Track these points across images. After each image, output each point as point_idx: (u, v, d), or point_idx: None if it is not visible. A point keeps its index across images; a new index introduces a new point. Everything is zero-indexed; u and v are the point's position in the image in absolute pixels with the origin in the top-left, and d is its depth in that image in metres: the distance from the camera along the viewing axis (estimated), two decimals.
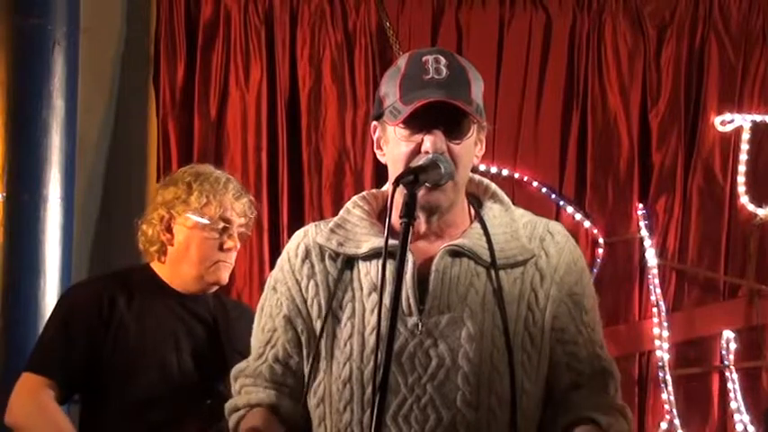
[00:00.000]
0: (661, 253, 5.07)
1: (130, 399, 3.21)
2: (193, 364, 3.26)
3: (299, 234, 2.52)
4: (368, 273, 2.39)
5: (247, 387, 2.50)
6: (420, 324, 2.34)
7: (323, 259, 2.45)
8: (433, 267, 2.36)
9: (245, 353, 3.33)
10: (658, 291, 5.01)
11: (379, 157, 2.47)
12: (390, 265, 2.25)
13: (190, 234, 3.28)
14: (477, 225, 2.43)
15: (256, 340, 2.53)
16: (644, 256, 5.05)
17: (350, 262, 2.42)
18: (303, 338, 2.44)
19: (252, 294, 4.97)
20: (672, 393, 4.93)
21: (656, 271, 5.02)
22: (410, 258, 2.34)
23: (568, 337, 2.38)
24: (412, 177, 2.27)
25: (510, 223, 2.44)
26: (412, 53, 2.44)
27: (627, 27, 5.13)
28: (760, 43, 5.14)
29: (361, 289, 2.39)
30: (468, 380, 2.32)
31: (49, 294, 4.37)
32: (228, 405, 2.52)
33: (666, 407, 4.94)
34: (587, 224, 5.06)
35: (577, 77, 5.12)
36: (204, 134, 5.03)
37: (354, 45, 5.08)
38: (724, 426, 5.03)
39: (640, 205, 5.09)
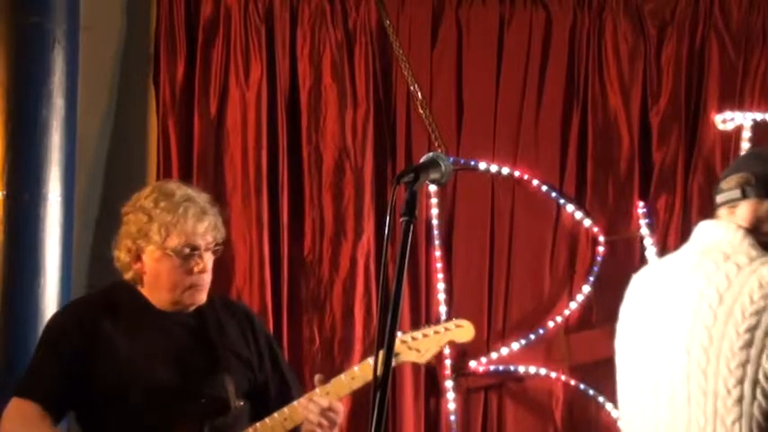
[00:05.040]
0: (662, 251, 5.07)
1: (126, 411, 3.22)
2: (185, 371, 3.26)
3: None
4: None
5: None
6: None
7: None
8: None
9: (238, 352, 3.33)
10: None
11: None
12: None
13: (157, 265, 3.27)
14: None
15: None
16: (644, 255, 5.05)
17: None
18: None
19: (252, 293, 4.97)
20: None
21: None
22: None
23: None
24: (413, 176, 2.28)
25: None
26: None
27: (627, 26, 5.13)
28: (760, 42, 5.14)
29: None
30: None
31: (49, 294, 4.37)
32: None
33: None
34: (588, 223, 5.06)
35: (578, 76, 5.12)
36: (204, 133, 5.03)
37: (354, 44, 5.08)
38: None
39: (641, 204, 5.09)
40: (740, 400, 2.32)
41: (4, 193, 4.39)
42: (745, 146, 5.05)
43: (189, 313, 3.33)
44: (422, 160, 2.33)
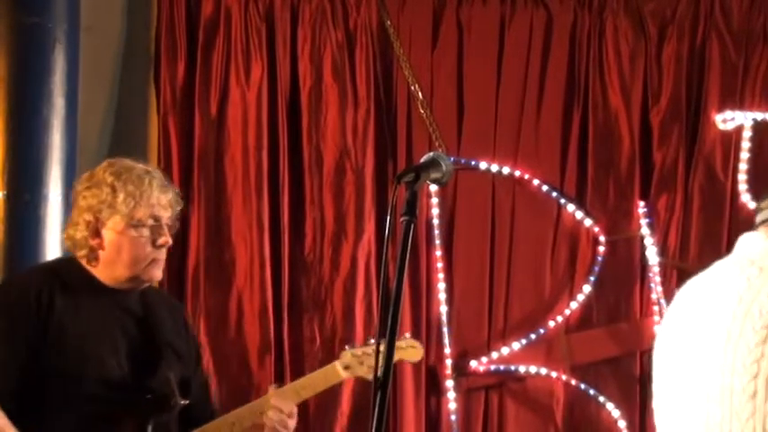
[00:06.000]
0: (662, 251, 5.07)
1: (69, 397, 3.14)
2: (131, 363, 3.22)
3: None
4: None
5: None
6: None
7: None
8: None
9: (173, 344, 3.31)
10: (660, 289, 5.01)
11: None
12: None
13: (120, 238, 3.20)
14: None
15: None
16: (645, 255, 5.05)
17: None
18: None
19: (252, 293, 4.97)
20: None
21: (657, 269, 5.02)
22: None
23: None
24: (413, 175, 2.28)
25: None
26: None
27: (628, 25, 5.12)
28: (761, 41, 5.14)
29: None
30: None
31: None
32: None
33: None
34: (588, 222, 5.06)
35: (578, 76, 5.12)
36: (205, 133, 5.03)
37: (355, 43, 5.08)
38: None
39: (641, 203, 5.09)
40: (754, 396, 2.32)
41: (5, 193, 4.39)
42: (745, 145, 5.05)
43: (135, 300, 3.28)
44: (422, 160, 2.33)
